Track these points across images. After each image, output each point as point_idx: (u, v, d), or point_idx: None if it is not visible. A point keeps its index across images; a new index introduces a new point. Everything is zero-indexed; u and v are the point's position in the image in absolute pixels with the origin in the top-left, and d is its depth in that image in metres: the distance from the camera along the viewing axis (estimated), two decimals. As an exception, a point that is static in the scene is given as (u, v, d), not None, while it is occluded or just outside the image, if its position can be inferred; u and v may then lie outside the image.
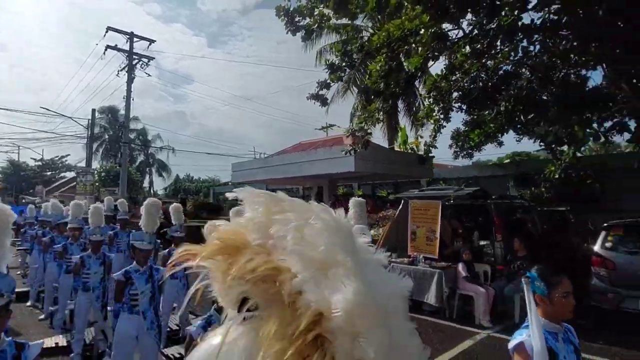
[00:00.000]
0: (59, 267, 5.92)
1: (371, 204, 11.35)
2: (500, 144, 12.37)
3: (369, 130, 9.33)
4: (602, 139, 8.10)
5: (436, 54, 9.05)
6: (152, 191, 42.06)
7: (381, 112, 9.69)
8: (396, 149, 15.15)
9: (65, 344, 5.26)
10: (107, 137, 41.27)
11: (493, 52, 10.31)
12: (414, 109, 17.61)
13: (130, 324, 3.59)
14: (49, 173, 44.50)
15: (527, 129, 9.81)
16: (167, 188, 47.03)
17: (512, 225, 7.11)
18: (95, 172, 27.43)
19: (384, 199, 13.66)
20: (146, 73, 24.62)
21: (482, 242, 7.41)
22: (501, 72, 11.46)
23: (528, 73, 9.41)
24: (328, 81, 11.35)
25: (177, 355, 4.94)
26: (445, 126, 11.43)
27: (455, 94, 11.42)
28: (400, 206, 7.69)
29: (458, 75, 10.66)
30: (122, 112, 39.85)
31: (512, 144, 36.50)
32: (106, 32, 23.19)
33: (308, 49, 17.71)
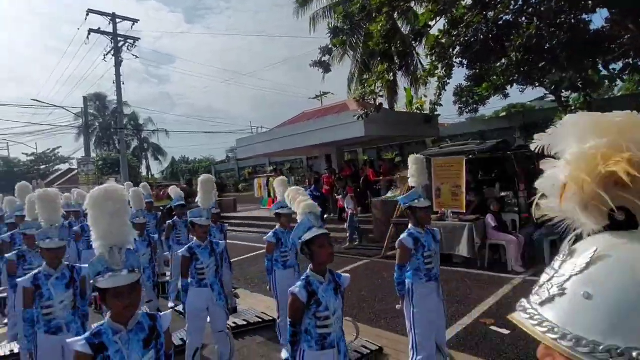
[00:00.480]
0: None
1: (385, 167, 11.47)
2: (506, 96, 12.42)
3: (380, 93, 9.28)
4: (617, 82, 8.14)
5: (445, 7, 8.88)
6: (149, 175, 41.81)
7: (391, 73, 9.61)
8: (397, 109, 15.12)
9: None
10: (97, 125, 40.50)
11: (493, 2, 10.17)
12: (412, 68, 17.46)
13: (200, 297, 3.72)
14: (42, 167, 43.85)
15: (538, 77, 9.81)
16: (164, 171, 46.80)
17: (533, 174, 7.27)
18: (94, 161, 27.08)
19: (392, 161, 13.74)
20: (133, 55, 23.92)
21: (502, 194, 7.57)
22: (501, 22, 11.35)
23: (536, 21, 9.30)
24: (330, 46, 11.16)
25: (233, 325, 5.13)
26: (449, 83, 11.43)
27: (456, 49, 11.33)
28: (423, 165, 7.80)
29: (460, 28, 10.53)
30: (110, 98, 39.15)
31: (514, 95, 36.47)
32: (87, 15, 22.25)
33: (300, 16, 17.30)
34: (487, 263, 6.53)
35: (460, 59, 11.77)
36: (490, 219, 6.48)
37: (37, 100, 22.90)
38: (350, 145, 14.97)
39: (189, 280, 3.75)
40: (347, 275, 2.60)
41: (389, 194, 9.29)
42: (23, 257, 4.34)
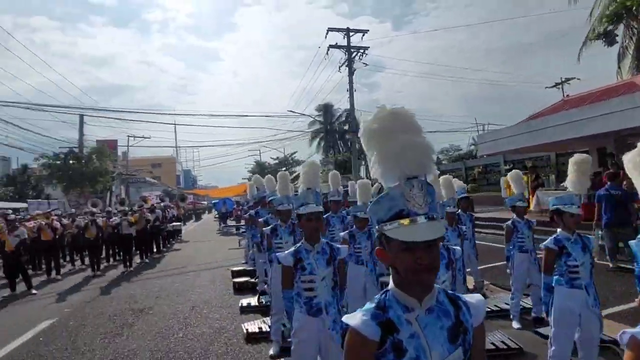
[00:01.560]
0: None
1: None
2: None
3: None
4: None
5: None
6: (366, 176, 44.79)
7: None
8: None
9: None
10: (323, 131, 45.95)
11: None
12: None
13: (572, 300, 3.12)
14: (283, 169, 52.83)
15: None
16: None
17: None
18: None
19: None
20: (363, 63, 25.93)
21: None
22: None
23: None
24: (621, 12, 8.97)
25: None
26: None
27: None
28: None
29: None
30: (336, 107, 44.00)
31: None
32: (327, 33, 25.30)
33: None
34: None
35: None
36: None
37: (292, 111, 27.32)
38: (633, 137, 11.86)
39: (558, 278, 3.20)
40: None
41: None
42: (275, 231, 4.64)
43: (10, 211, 10.23)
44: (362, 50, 25.63)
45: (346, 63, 25.65)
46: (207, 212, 45.87)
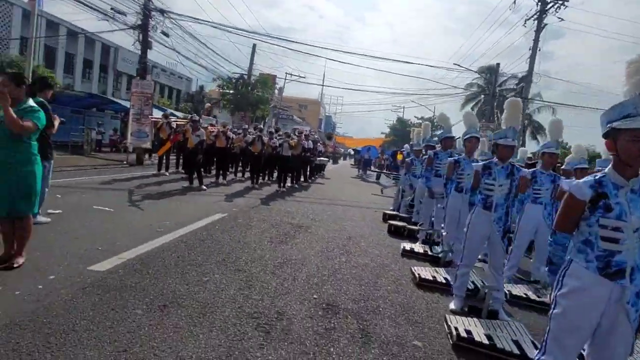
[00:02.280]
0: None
1: None
2: None
3: None
4: None
5: None
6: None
7: None
8: None
9: None
10: (482, 97, 41.56)
11: None
12: None
13: None
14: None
15: None
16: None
17: None
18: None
19: None
20: (558, 18, 21.65)
21: None
22: None
23: None
24: None
25: None
26: None
27: None
28: None
29: None
30: (501, 71, 38.99)
31: None
32: (518, -22, 21.59)
33: None
34: None
35: None
36: None
37: (457, 64, 25.03)
38: None
39: None
40: None
41: None
42: (489, 169, 3.85)
43: (196, 115, 11.39)
44: (560, 1, 21.32)
45: (535, 15, 21.76)
46: (342, 158, 47.07)
